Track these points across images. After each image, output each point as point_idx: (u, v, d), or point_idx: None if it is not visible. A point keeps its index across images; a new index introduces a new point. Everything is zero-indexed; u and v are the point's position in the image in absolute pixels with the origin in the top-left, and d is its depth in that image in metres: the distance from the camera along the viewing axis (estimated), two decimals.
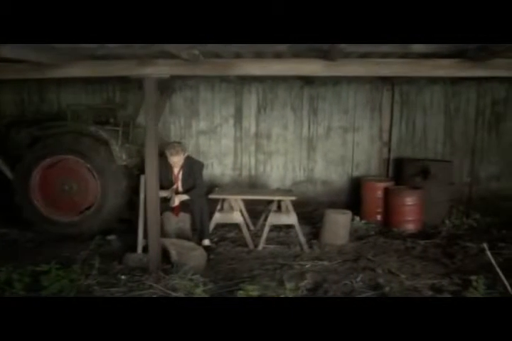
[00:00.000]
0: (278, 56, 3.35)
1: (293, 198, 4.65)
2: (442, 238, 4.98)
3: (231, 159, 6.36)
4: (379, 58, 3.28)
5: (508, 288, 3.42)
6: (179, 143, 4.75)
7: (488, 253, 3.62)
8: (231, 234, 5.07)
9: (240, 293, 2.95)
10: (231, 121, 6.27)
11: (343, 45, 2.62)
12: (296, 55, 3.29)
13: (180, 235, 4.58)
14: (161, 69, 3.33)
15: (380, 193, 5.60)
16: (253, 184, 6.35)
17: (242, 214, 5.18)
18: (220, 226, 5.26)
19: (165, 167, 4.50)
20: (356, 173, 6.29)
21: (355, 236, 5.12)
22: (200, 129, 6.30)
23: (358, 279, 3.74)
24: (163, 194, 4.36)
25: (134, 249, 4.08)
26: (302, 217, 5.73)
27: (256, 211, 5.49)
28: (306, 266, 4.07)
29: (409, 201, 5.31)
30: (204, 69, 3.34)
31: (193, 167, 4.59)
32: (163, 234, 4.55)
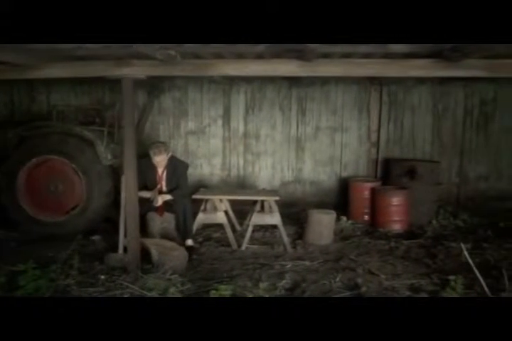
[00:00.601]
0: (259, 57, 3.37)
1: (276, 198, 4.66)
2: (427, 238, 4.98)
3: (220, 159, 6.37)
4: (356, 58, 3.29)
5: (485, 288, 3.43)
6: (163, 143, 4.77)
7: (466, 253, 3.64)
8: (216, 234, 5.08)
9: (213, 293, 2.96)
10: (219, 122, 6.28)
11: (314, 46, 2.63)
12: (277, 56, 3.31)
13: (165, 235, 4.59)
14: (137, 70, 3.35)
15: (367, 193, 5.62)
16: (242, 184, 6.36)
17: (228, 215, 5.21)
18: (206, 226, 5.29)
19: (149, 167, 4.53)
20: (345, 174, 6.29)
21: (341, 236, 5.13)
22: (188, 129, 6.32)
23: (337, 279, 3.74)
24: (146, 195, 4.38)
25: (116, 249, 4.10)
26: (290, 218, 5.77)
27: (243, 211, 5.50)
28: (287, 266, 4.08)
29: (395, 201, 5.32)
30: (181, 70, 3.36)
31: (176, 167, 4.61)
32: (148, 234, 4.60)
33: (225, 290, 2.93)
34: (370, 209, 5.58)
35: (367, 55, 3.24)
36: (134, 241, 3.62)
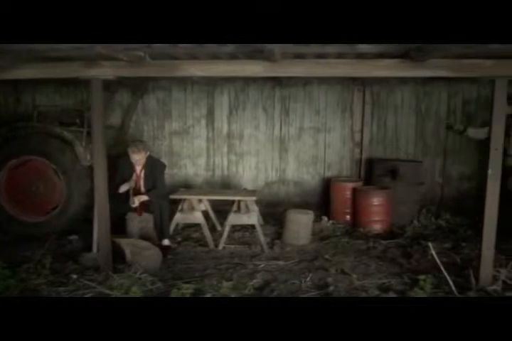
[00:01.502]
0: (234, 57, 3.39)
1: (253, 198, 4.68)
2: (406, 238, 4.99)
3: (204, 160, 6.39)
4: (323, 59, 3.30)
5: (452, 287, 3.45)
6: (142, 141, 4.80)
7: (433, 252, 3.66)
8: (196, 234, 5.10)
9: (175, 292, 2.98)
10: (203, 122, 6.31)
11: (270, 46, 2.65)
12: (250, 57, 3.32)
13: (144, 235, 4.61)
14: (106, 71, 3.37)
15: (348, 193, 5.62)
16: (226, 184, 6.38)
17: (208, 215, 5.24)
18: (187, 226, 5.32)
19: (127, 166, 4.55)
20: (328, 174, 6.30)
21: (320, 236, 5.15)
22: (172, 130, 6.35)
23: (308, 279, 3.76)
24: (125, 188, 4.39)
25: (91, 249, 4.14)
26: (273, 218, 5.80)
27: (226, 211, 5.52)
28: (261, 266, 4.10)
29: (376, 201, 5.32)
30: (148, 71, 3.38)
31: (154, 167, 4.62)
32: (127, 234, 4.62)
33: (187, 289, 2.95)
34: (351, 209, 5.59)
35: (341, 55, 3.26)
36: (105, 241, 3.65)
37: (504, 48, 2.83)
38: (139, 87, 6.06)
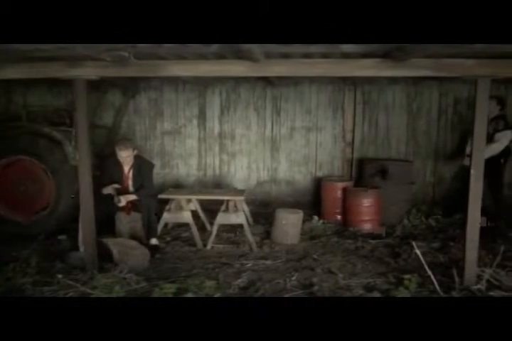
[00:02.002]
0: (219, 57, 3.39)
1: (241, 198, 4.69)
2: (395, 238, 5.00)
3: (195, 159, 6.41)
4: (305, 59, 3.31)
5: (437, 286, 3.45)
6: (129, 139, 4.81)
7: (417, 251, 3.66)
8: (185, 234, 5.10)
9: (157, 292, 2.99)
10: (195, 122, 6.32)
11: (248, 46, 2.66)
12: (233, 57, 3.32)
13: (133, 234, 4.64)
14: (89, 71, 3.38)
15: (339, 193, 5.63)
16: (218, 184, 6.40)
17: (198, 214, 5.25)
18: (177, 226, 5.33)
19: (115, 166, 4.56)
20: (320, 173, 6.31)
21: (310, 235, 5.15)
22: (164, 130, 6.36)
23: (294, 278, 3.76)
24: (108, 190, 4.39)
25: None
26: (264, 217, 5.80)
27: (216, 211, 5.49)
28: (248, 265, 4.11)
29: (366, 201, 5.32)
30: (132, 71, 3.38)
31: (142, 166, 4.63)
32: (116, 233, 4.64)
33: (169, 289, 2.96)
34: (342, 208, 5.59)
35: (325, 55, 3.27)
36: (90, 241, 3.66)
37: (486, 48, 2.84)
38: (129, 87, 6.06)
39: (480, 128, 3.26)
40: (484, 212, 5.10)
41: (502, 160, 5.17)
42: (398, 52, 3.00)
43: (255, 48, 2.82)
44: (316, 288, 3.49)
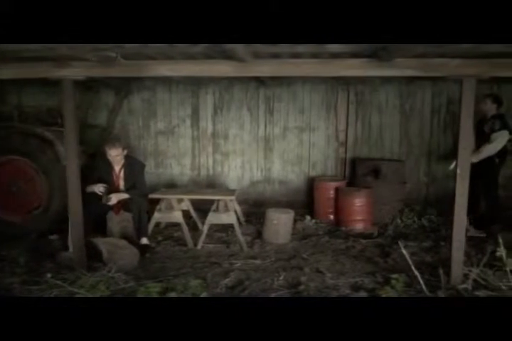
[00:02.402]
0: (209, 57, 3.40)
1: (231, 198, 4.70)
2: (386, 237, 5.00)
3: (189, 159, 6.42)
4: (290, 58, 3.32)
5: (423, 286, 3.46)
6: (119, 139, 4.83)
7: (404, 250, 3.67)
8: (177, 234, 5.11)
9: (141, 291, 3.00)
10: (188, 122, 6.33)
11: (232, 46, 2.67)
12: (229, 57, 3.33)
13: (124, 234, 4.66)
14: (76, 71, 3.39)
15: (331, 193, 5.64)
16: (211, 184, 6.41)
17: (190, 214, 5.27)
18: (169, 225, 5.35)
19: (105, 166, 4.57)
20: (313, 173, 6.32)
21: (301, 235, 5.16)
22: (158, 130, 6.37)
23: (281, 277, 3.77)
24: (91, 189, 4.40)
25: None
26: (257, 217, 5.82)
27: (209, 211, 5.54)
28: (236, 265, 4.11)
29: (358, 201, 5.33)
30: (119, 72, 3.39)
31: (133, 166, 4.64)
32: (107, 233, 4.66)
33: (154, 288, 2.97)
34: (334, 208, 5.60)
35: (307, 56, 3.27)
36: (78, 240, 3.67)
37: (471, 48, 2.84)
38: (122, 87, 6.07)
39: (466, 128, 3.26)
40: (479, 219, 5.19)
41: (497, 160, 5.16)
42: (383, 53, 3.01)
43: (240, 48, 2.83)
44: (302, 287, 3.50)
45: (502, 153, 5.16)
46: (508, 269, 3.23)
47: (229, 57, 3.20)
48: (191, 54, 3.26)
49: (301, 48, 3.02)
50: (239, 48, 2.82)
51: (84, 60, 3.29)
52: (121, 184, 4.66)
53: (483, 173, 5.29)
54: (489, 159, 5.10)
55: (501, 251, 3.20)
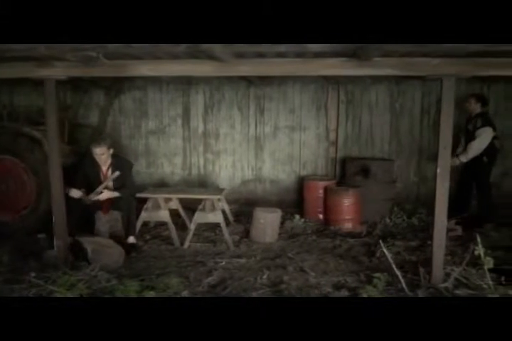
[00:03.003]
0: (192, 57, 3.41)
1: (218, 197, 4.71)
2: (374, 236, 5.01)
3: (180, 159, 6.43)
4: (271, 58, 3.33)
5: (403, 284, 3.47)
6: (104, 138, 4.83)
7: (384, 250, 3.68)
8: (166, 233, 5.12)
9: (120, 289, 3.01)
10: (179, 121, 6.35)
11: (207, 46, 2.68)
12: (211, 57, 3.34)
13: (113, 233, 4.68)
14: (58, 71, 3.41)
15: (320, 192, 5.64)
16: (203, 183, 6.42)
17: (179, 213, 5.28)
18: (159, 224, 5.36)
19: (92, 165, 4.58)
20: (304, 172, 6.33)
21: (289, 234, 5.17)
22: (149, 129, 6.39)
23: (265, 276, 3.78)
24: (76, 195, 4.41)
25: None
26: (248, 216, 5.81)
27: None
28: (221, 264, 4.13)
29: (346, 200, 5.34)
30: (100, 71, 3.41)
31: (122, 166, 4.64)
32: (95, 232, 4.67)
33: (132, 286, 2.98)
34: (323, 207, 5.60)
35: (300, 54, 3.29)
36: (62, 239, 3.69)
37: (451, 47, 2.84)
38: (111, 87, 6.09)
39: (446, 127, 3.27)
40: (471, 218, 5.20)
41: (485, 159, 5.16)
42: (362, 52, 3.01)
43: (218, 48, 2.84)
44: (283, 286, 3.51)
45: (491, 152, 5.17)
46: (485, 268, 3.23)
47: (210, 57, 3.21)
48: (173, 54, 3.28)
49: (282, 48, 3.02)
50: (216, 48, 2.83)
51: (66, 60, 3.30)
52: (110, 184, 4.66)
53: (473, 173, 5.30)
54: (478, 158, 5.10)
55: (479, 250, 3.19)
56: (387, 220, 5.53)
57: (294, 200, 6.29)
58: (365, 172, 5.64)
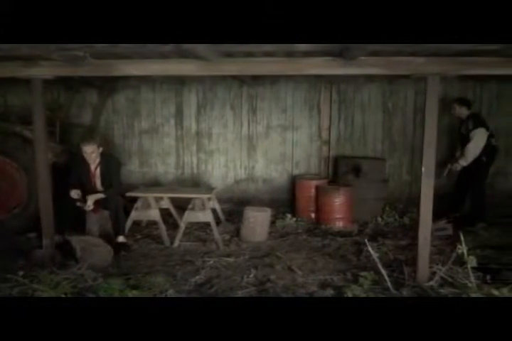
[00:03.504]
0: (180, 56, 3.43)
1: (207, 196, 4.72)
2: (364, 235, 5.01)
3: (173, 158, 6.44)
4: (257, 57, 3.34)
5: (389, 283, 3.47)
6: (93, 137, 4.86)
7: (370, 248, 3.68)
8: (157, 232, 5.12)
9: (103, 287, 3.03)
10: (172, 121, 6.35)
11: (186, 46, 2.69)
12: (196, 57, 3.35)
13: (103, 232, 4.70)
14: (45, 70, 3.42)
15: (312, 191, 5.65)
16: (196, 182, 6.43)
17: (171, 212, 5.29)
18: (150, 223, 5.37)
19: (81, 164, 4.59)
20: (296, 171, 6.33)
21: (280, 233, 5.18)
22: (142, 129, 6.39)
23: (251, 275, 3.79)
24: (76, 195, 4.43)
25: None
26: (240, 215, 5.82)
27: None
28: (209, 263, 4.14)
29: (337, 199, 5.35)
30: (87, 71, 3.42)
31: (110, 164, 4.65)
32: (86, 231, 4.69)
33: (116, 285, 3.00)
34: (315, 206, 5.61)
35: (290, 54, 3.30)
36: (49, 239, 3.70)
37: (435, 47, 2.85)
38: (104, 86, 6.10)
39: (430, 126, 3.28)
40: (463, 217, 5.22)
41: (484, 159, 5.17)
42: (347, 51, 3.02)
43: (201, 48, 2.85)
44: (269, 284, 3.52)
45: (490, 151, 5.18)
46: (469, 266, 3.23)
47: (196, 56, 3.22)
48: (160, 53, 3.29)
49: (266, 47, 3.03)
50: (200, 48, 2.83)
51: (53, 60, 3.31)
52: (98, 182, 4.67)
53: (471, 173, 5.29)
54: (477, 158, 5.12)
55: (462, 249, 3.20)
56: (379, 219, 5.54)
57: (286, 199, 6.30)
58: (357, 171, 5.64)
